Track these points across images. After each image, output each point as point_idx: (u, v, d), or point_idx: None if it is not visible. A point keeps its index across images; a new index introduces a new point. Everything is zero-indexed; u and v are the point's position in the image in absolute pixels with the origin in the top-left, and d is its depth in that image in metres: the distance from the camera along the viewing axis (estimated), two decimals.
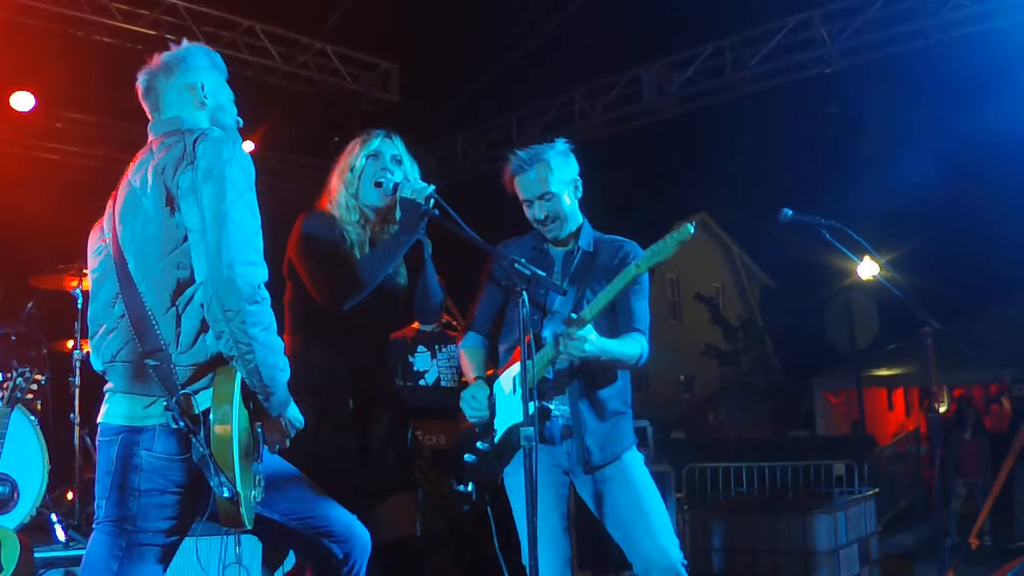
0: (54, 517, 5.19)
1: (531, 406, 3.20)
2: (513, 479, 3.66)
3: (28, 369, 5.19)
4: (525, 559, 3.23)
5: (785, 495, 8.44)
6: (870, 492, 9.31)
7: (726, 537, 8.06)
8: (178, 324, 2.78)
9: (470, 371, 3.83)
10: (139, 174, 2.88)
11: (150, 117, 3.09)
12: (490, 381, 3.75)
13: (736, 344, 23.81)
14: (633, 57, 11.81)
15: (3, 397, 5.05)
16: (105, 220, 2.99)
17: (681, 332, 26.09)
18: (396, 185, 3.60)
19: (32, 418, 5.42)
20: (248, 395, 2.81)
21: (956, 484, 11.54)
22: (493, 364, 3.85)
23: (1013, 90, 11.42)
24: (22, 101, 9.25)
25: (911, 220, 19.31)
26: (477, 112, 13.39)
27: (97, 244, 3.01)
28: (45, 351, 6.35)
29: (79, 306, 5.99)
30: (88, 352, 3.08)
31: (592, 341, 3.44)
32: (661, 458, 6.71)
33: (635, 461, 3.73)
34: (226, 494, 2.68)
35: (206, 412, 2.74)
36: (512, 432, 3.57)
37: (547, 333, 3.57)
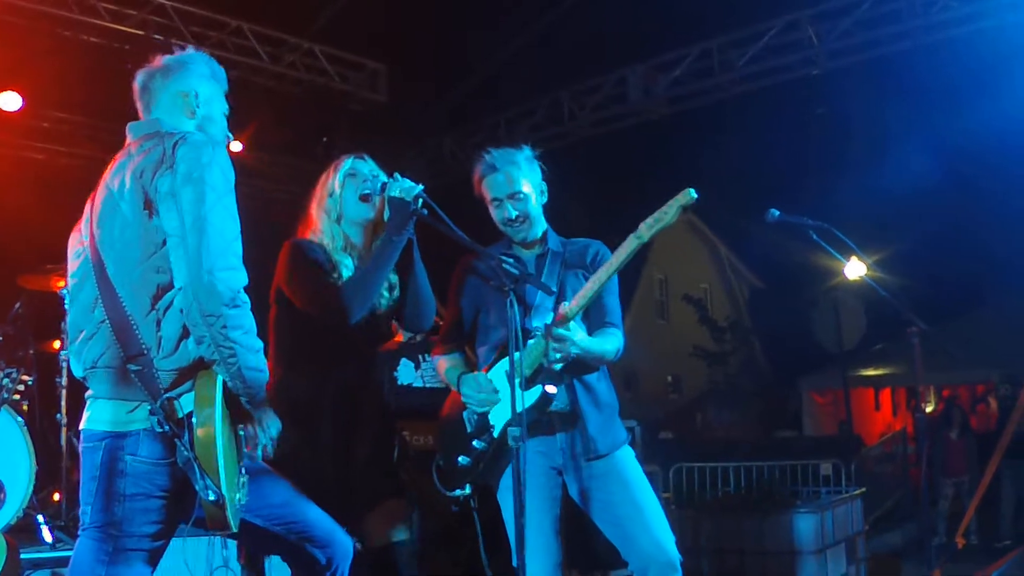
0: (41, 518, 5.19)
1: (519, 402, 3.20)
2: (504, 481, 3.62)
3: (15, 370, 5.17)
4: (515, 560, 3.23)
5: (772, 495, 8.45)
6: (857, 492, 9.33)
7: (714, 537, 8.08)
8: (158, 328, 2.76)
9: (456, 372, 3.77)
10: (117, 177, 2.85)
11: (141, 117, 3.07)
12: None
13: (724, 345, 23.79)
14: (621, 58, 11.83)
15: None
16: (83, 223, 2.95)
17: (669, 333, 26.10)
18: (384, 184, 3.58)
19: (19, 419, 5.40)
20: (230, 398, 2.80)
21: (943, 483, 11.60)
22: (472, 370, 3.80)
23: (1000, 91, 11.48)
24: (9, 101, 9.18)
25: (898, 221, 19.34)
26: (465, 112, 13.40)
27: (76, 247, 2.97)
28: (32, 351, 6.31)
29: (66, 306, 5.95)
30: None
31: (577, 342, 3.45)
32: (649, 458, 6.72)
33: (628, 457, 3.74)
34: (212, 497, 2.67)
35: (189, 415, 2.73)
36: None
37: (536, 323, 3.55)
